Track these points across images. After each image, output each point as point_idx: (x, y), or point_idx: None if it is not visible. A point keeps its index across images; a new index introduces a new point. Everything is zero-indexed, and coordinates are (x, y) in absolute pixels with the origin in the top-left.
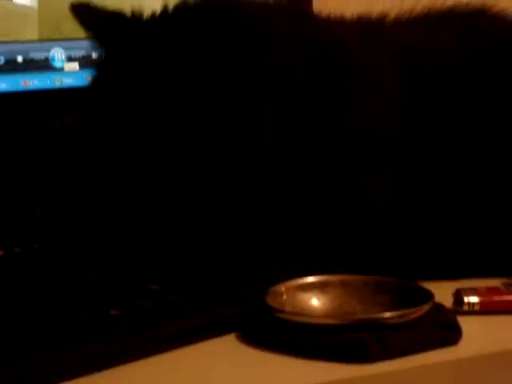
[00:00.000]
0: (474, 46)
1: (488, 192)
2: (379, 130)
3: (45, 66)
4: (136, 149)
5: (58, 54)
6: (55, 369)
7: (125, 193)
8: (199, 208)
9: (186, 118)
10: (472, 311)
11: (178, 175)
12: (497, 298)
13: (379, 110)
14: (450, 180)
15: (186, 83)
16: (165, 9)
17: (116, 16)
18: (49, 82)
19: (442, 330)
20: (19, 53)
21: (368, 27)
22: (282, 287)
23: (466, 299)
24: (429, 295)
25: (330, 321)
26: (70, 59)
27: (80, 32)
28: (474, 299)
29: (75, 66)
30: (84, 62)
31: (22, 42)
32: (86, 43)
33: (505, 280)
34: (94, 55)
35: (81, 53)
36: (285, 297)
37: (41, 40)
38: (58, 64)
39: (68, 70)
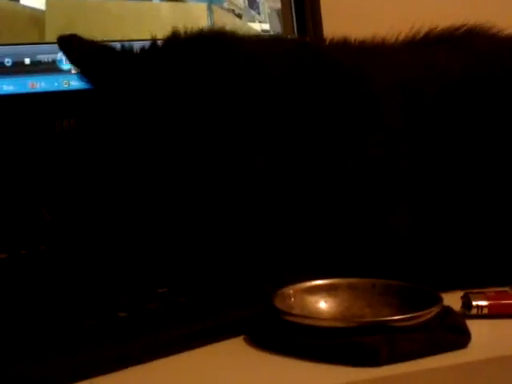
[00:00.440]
0: (472, 67)
1: (496, 207)
2: (390, 158)
3: (52, 68)
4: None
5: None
6: (63, 371)
7: (132, 196)
8: (208, 212)
9: (177, 151)
10: (480, 315)
11: (185, 182)
12: (505, 301)
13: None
14: (459, 198)
15: (176, 117)
16: (154, 43)
17: (106, 49)
18: (56, 85)
19: (450, 333)
20: (27, 55)
21: (370, 51)
22: (290, 290)
23: (474, 303)
24: (437, 298)
25: (338, 324)
26: None
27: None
28: (482, 303)
29: None
30: None
31: (30, 44)
32: None
33: None
34: None
35: None
36: (293, 299)
37: (48, 42)
38: (65, 66)
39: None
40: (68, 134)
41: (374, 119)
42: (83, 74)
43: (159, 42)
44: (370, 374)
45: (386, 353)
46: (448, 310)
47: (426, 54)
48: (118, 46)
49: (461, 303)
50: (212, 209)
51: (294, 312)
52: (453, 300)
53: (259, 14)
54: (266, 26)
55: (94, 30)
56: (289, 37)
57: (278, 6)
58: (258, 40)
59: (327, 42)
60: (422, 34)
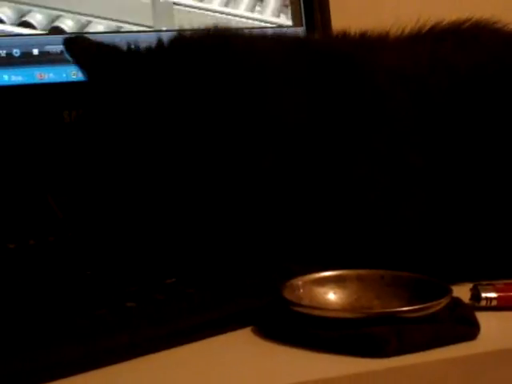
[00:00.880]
0: (478, 61)
1: (506, 200)
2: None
3: (61, 59)
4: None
5: None
6: (71, 360)
7: (142, 187)
8: (217, 203)
9: (184, 148)
10: (489, 307)
11: (194, 174)
12: None
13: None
14: (469, 191)
15: (184, 117)
16: (160, 42)
17: (112, 50)
18: (64, 75)
19: (459, 324)
20: (35, 46)
21: (372, 43)
22: (299, 281)
23: (483, 294)
24: (447, 290)
25: (347, 314)
26: None
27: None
28: (491, 294)
29: None
30: None
31: (38, 35)
32: (103, 37)
33: None
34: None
35: None
36: (301, 291)
37: (58, 33)
38: None
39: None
40: (75, 125)
41: (380, 113)
42: (90, 74)
43: (165, 42)
44: (378, 364)
45: (394, 344)
46: (457, 302)
47: (431, 48)
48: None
49: (470, 295)
50: (221, 199)
51: (302, 303)
52: (462, 292)
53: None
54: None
55: None
56: (291, 33)
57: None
58: (263, 38)
59: (331, 37)
60: (427, 28)
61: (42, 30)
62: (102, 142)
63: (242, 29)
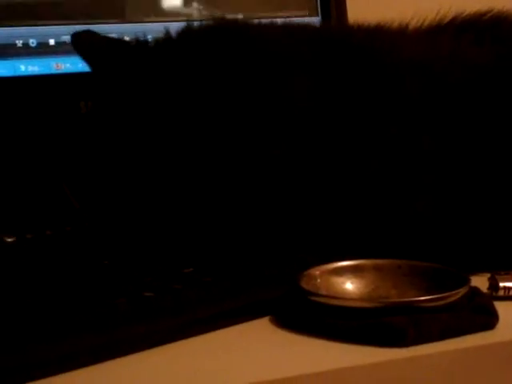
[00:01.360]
0: (499, 53)
1: None
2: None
3: None
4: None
5: None
6: (90, 349)
7: (159, 176)
8: (235, 192)
9: (197, 142)
10: (508, 296)
11: (208, 162)
12: None
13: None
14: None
15: (194, 108)
16: (168, 34)
17: (120, 43)
18: (81, 66)
19: (478, 314)
20: (51, 36)
21: (391, 35)
22: (316, 271)
23: (501, 284)
24: (465, 279)
25: (365, 304)
26: None
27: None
28: (509, 284)
29: None
30: None
31: (54, 25)
32: (118, 27)
33: None
34: (126, 39)
35: (112, 36)
36: (319, 280)
37: (71, 23)
38: None
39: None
40: (91, 116)
41: (398, 104)
42: (98, 67)
43: (173, 34)
44: (396, 354)
45: (413, 333)
46: (475, 291)
47: (451, 40)
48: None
49: (488, 285)
50: (238, 188)
51: (320, 293)
52: (479, 282)
53: None
54: None
55: None
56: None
57: None
58: (272, 27)
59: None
60: (447, 20)
61: None
62: (113, 133)
63: (250, 19)
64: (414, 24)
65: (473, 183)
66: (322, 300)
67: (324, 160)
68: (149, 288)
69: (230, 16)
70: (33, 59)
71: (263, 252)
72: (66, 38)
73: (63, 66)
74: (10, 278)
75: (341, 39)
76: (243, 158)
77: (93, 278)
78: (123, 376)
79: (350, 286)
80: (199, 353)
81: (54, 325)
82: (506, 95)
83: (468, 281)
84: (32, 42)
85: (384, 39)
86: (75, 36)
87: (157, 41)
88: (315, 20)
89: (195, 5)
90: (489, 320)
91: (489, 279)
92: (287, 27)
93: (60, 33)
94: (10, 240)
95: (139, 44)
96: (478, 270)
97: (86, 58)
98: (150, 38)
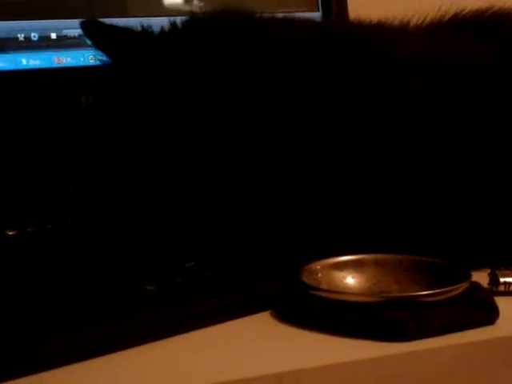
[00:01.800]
0: (499, 51)
1: None
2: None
3: (78, 43)
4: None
5: None
6: (90, 343)
7: (159, 170)
8: (235, 186)
9: (201, 134)
10: (508, 291)
11: (211, 157)
12: None
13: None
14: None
15: (200, 98)
16: (174, 24)
17: (127, 31)
18: (82, 60)
19: (478, 309)
20: (53, 30)
21: (392, 31)
22: (317, 265)
23: (502, 279)
24: (466, 274)
25: (366, 299)
26: None
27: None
28: (510, 279)
29: None
30: None
31: (56, 19)
32: (119, 21)
33: None
34: None
35: None
36: (319, 275)
37: (73, 17)
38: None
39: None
40: (93, 109)
41: (399, 101)
42: (106, 55)
43: (179, 23)
44: (397, 348)
45: (414, 328)
46: (476, 286)
47: (452, 38)
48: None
49: (488, 280)
50: (239, 183)
51: (321, 287)
52: (480, 277)
53: None
54: None
55: None
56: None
57: None
58: (275, 19)
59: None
60: (448, 17)
61: None
62: (117, 123)
63: (253, 11)
64: (415, 21)
65: (474, 179)
66: (323, 294)
67: (326, 154)
68: (150, 282)
69: None
70: (34, 53)
71: (264, 246)
72: (68, 32)
73: (64, 60)
74: (11, 272)
75: (342, 34)
76: (246, 150)
77: (94, 271)
78: (124, 369)
79: (351, 280)
80: (200, 347)
81: (55, 318)
82: (507, 92)
83: (469, 276)
84: (34, 36)
85: (385, 35)
86: (85, 23)
87: (162, 30)
88: (316, 16)
89: (196, 2)
90: (489, 315)
91: (489, 274)
92: (289, 20)
93: (61, 27)
94: (11, 233)
95: (145, 32)
96: (478, 266)
97: (96, 44)
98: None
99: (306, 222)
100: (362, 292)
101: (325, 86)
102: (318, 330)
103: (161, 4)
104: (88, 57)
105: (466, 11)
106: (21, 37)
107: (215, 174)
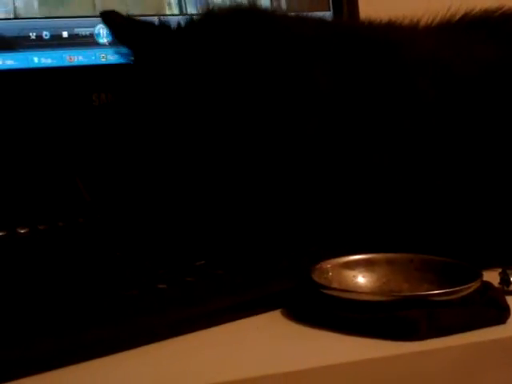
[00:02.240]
0: (507, 51)
1: None
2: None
3: (90, 41)
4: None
5: (102, 30)
6: (102, 341)
7: (171, 169)
8: (247, 185)
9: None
10: None
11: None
12: None
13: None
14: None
15: (218, 92)
16: (191, 18)
17: (145, 24)
18: (94, 58)
19: (490, 308)
20: (64, 28)
21: (401, 31)
22: (328, 264)
23: None
24: (477, 273)
25: (377, 297)
26: None
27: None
28: None
29: None
30: None
31: (68, 18)
32: None
33: None
34: None
35: None
36: (330, 274)
37: (86, 16)
38: (102, 40)
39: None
40: (105, 107)
41: (408, 101)
42: (125, 46)
43: (196, 18)
44: (408, 347)
45: (425, 327)
46: (487, 286)
47: (461, 38)
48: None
49: (499, 279)
50: (251, 181)
51: (332, 286)
52: (490, 276)
53: None
54: None
55: None
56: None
57: None
58: (288, 16)
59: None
60: (458, 17)
61: None
62: (135, 119)
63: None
64: (424, 21)
65: (484, 178)
66: (334, 293)
67: (338, 152)
68: (161, 280)
69: None
70: (46, 51)
71: (275, 245)
72: (79, 31)
73: (76, 59)
74: (22, 270)
75: (354, 32)
76: (260, 147)
77: (105, 269)
78: (136, 368)
79: (361, 279)
80: (212, 345)
81: (65, 316)
82: None
83: (480, 275)
84: (45, 35)
85: (396, 34)
86: (104, 14)
87: (179, 25)
88: (327, 15)
89: None
90: (500, 314)
91: (500, 274)
92: (302, 18)
93: (73, 25)
94: (22, 231)
95: (162, 26)
96: (489, 265)
97: (115, 35)
98: None
99: (317, 221)
100: (373, 291)
101: (340, 82)
102: (328, 328)
103: None
104: (99, 55)
105: (475, 11)
106: (32, 35)
107: (228, 171)
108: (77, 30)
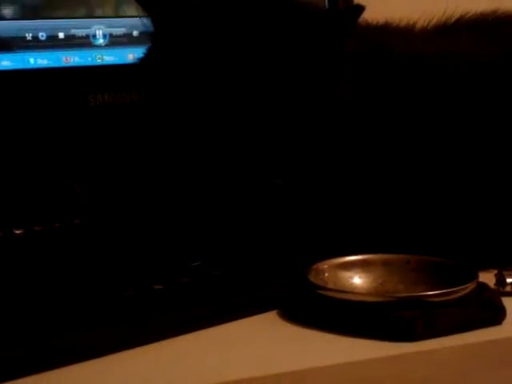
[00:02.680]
0: (501, 54)
1: None
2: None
3: (86, 42)
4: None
5: (99, 32)
6: (99, 342)
7: (168, 171)
8: (243, 188)
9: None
10: None
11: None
12: None
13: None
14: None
15: (241, 61)
16: None
17: None
18: (90, 59)
19: (486, 309)
20: (61, 29)
21: (398, 33)
22: (324, 265)
23: (508, 280)
24: (473, 274)
25: (373, 298)
26: (111, 36)
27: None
28: None
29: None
30: (125, 40)
31: (64, 19)
32: (127, 21)
33: None
34: (135, 33)
35: (122, 30)
36: (326, 274)
37: (83, 17)
38: (98, 41)
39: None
40: (101, 108)
41: (405, 104)
42: (150, 16)
43: None
44: (405, 348)
45: (421, 328)
46: (483, 287)
47: (456, 41)
48: None
49: (494, 280)
50: (246, 184)
51: (328, 287)
52: (486, 277)
53: None
54: None
55: None
56: None
57: None
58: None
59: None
60: (453, 20)
61: None
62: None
63: None
64: (421, 23)
65: (481, 180)
66: (330, 294)
67: (332, 154)
68: (158, 281)
69: None
70: (42, 52)
71: (271, 246)
72: (76, 32)
73: (72, 60)
74: (18, 271)
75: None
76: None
77: (101, 270)
78: (133, 368)
79: (357, 280)
80: (208, 346)
81: (61, 317)
82: (508, 95)
83: (476, 276)
84: (42, 36)
85: (393, 36)
86: None
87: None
88: None
89: None
90: (496, 315)
91: (496, 275)
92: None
93: (69, 26)
94: (18, 232)
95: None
96: (485, 266)
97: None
98: None
99: (314, 222)
100: (369, 292)
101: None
102: (324, 329)
103: None
104: (96, 56)
105: (470, 14)
106: (29, 36)
107: (222, 175)
108: (73, 31)
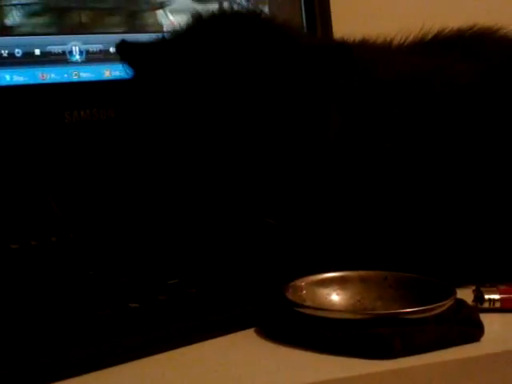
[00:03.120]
0: (479, 70)
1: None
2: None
3: (62, 59)
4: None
5: (75, 48)
6: (75, 361)
7: (142, 188)
8: (217, 204)
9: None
10: (493, 308)
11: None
12: None
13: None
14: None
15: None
16: (176, 30)
17: (145, 42)
18: (66, 76)
19: (463, 326)
20: (37, 46)
21: (375, 50)
22: (302, 282)
23: (486, 296)
24: (450, 291)
25: (351, 315)
26: (87, 53)
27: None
28: (494, 296)
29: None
30: (101, 57)
31: (40, 35)
32: (104, 37)
33: None
34: (112, 49)
35: (98, 47)
36: (304, 292)
37: (58, 33)
38: (75, 58)
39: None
40: (77, 125)
41: (382, 122)
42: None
43: (181, 28)
44: (382, 366)
45: (398, 345)
46: (461, 303)
47: (434, 57)
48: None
49: (473, 297)
50: (222, 200)
51: (305, 304)
52: (464, 294)
53: None
54: None
55: None
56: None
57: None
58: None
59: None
60: (430, 36)
61: None
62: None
63: None
64: (398, 39)
65: (457, 196)
66: (308, 311)
67: (310, 170)
68: (134, 299)
69: None
70: (18, 69)
71: (248, 263)
72: (52, 48)
73: (48, 76)
74: None
75: None
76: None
77: (78, 288)
78: None
79: (335, 297)
80: (184, 365)
81: (37, 337)
82: (490, 111)
83: (454, 293)
84: (17, 52)
85: (370, 53)
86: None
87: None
88: None
89: None
90: (474, 332)
91: (474, 291)
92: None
93: (45, 43)
94: None
95: (160, 38)
96: (462, 283)
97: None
98: None
99: (290, 239)
100: (347, 309)
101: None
102: (302, 347)
103: None
104: (72, 73)
105: (447, 30)
106: (4, 53)
107: (199, 191)
108: (49, 48)
